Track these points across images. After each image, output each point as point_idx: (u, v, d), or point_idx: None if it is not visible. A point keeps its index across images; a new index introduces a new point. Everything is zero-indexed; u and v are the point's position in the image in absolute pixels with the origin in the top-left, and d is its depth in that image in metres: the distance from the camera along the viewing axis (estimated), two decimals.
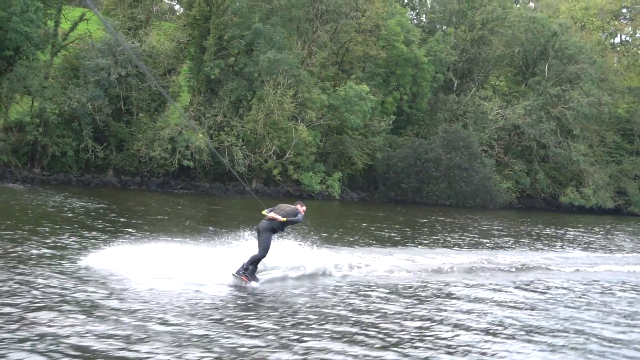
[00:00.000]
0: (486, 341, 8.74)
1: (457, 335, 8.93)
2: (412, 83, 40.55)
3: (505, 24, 43.50)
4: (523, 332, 9.31)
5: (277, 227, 12.37)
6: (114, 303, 9.34)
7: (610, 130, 49.31)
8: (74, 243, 14.36)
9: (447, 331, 9.09)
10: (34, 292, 9.53)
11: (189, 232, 16.74)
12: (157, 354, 7.26)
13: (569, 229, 30.40)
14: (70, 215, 19.57)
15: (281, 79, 34.49)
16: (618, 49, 57.20)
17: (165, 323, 8.50)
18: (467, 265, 15.66)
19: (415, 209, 35.75)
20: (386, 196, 40.36)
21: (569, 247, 22.70)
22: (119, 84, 31.83)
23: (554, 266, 16.85)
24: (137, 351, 7.33)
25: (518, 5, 50.24)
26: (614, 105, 47.30)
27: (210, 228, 18.82)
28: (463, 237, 22.42)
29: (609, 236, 28.34)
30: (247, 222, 16.98)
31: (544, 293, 12.76)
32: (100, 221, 18.61)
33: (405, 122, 41.98)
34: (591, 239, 26.53)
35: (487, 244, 21.28)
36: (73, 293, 9.70)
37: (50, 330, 7.82)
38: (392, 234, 21.90)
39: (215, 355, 7.46)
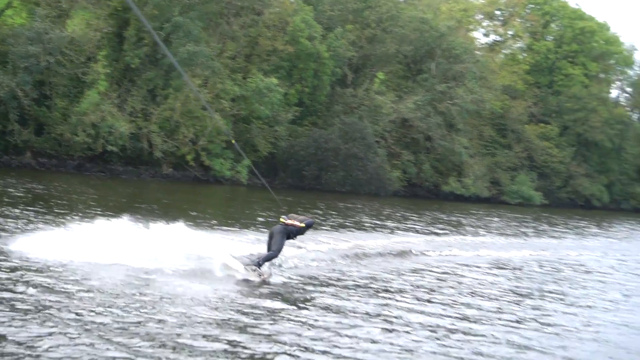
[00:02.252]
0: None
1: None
2: (313, 77, 52.90)
3: (399, 24, 57.34)
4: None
5: (292, 233, 15.80)
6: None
7: (487, 125, 65.49)
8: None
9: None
10: None
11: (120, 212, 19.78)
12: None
13: (460, 215, 44.49)
14: None
15: (198, 70, 45.16)
16: (494, 48, 74.28)
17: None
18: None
19: (315, 194, 47.94)
20: (286, 183, 52.32)
21: (478, 230, 36.16)
22: (46, 70, 40.71)
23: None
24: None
25: (406, 4, 64.37)
26: (491, 102, 63.39)
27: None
28: (370, 221, 34.96)
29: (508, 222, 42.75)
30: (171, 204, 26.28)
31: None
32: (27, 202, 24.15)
33: (306, 113, 54.25)
34: (496, 224, 40.55)
35: (387, 228, 33.99)
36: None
37: None
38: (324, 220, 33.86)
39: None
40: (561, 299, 16.74)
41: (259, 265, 15.38)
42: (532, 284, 18.66)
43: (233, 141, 18.93)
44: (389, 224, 32.01)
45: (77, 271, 13.69)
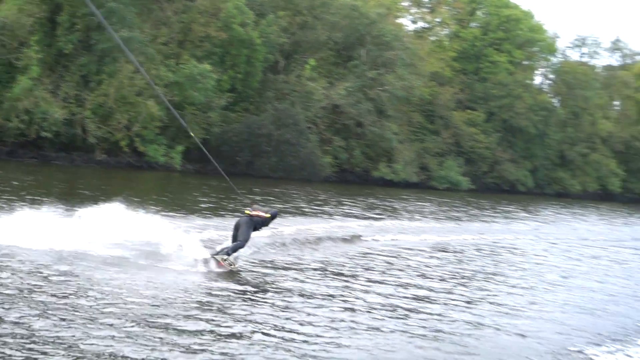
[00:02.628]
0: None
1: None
2: (245, 63, 55.20)
3: (330, 11, 60.18)
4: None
5: (258, 224, 16.63)
6: None
7: (416, 112, 69.15)
8: None
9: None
10: None
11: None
12: None
13: (393, 200, 47.76)
14: None
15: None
16: (421, 35, 78.06)
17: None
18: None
19: (249, 180, 50.32)
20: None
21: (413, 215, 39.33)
22: None
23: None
24: None
25: None
26: (420, 89, 67.04)
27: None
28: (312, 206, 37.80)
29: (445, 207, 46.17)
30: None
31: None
32: None
33: (238, 100, 56.50)
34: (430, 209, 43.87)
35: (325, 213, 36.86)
36: None
37: None
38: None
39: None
40: (504, 281, 18.81)
41: (228, 254, 16.16)
42: (474, 266, 20.87)
43: (192, 134, 20.02)
44: (327, 209, 34.66)
45: (44, 256, 14.73)
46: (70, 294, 12.02)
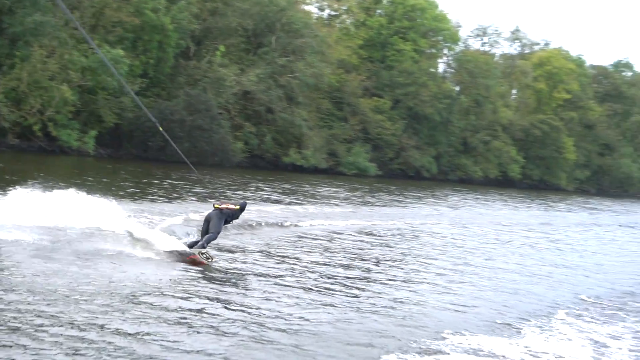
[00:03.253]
0: None
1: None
2: (157, 48, 58.39)
3: None
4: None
5: (229, 217, 17.67)
6: None
7: (325, 99, 73.96)
8: None
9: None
10: None
11: None
12: None
13: (308, 185, 52.11)
14: None
15: (46, 40, 49.46)
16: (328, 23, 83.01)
17: None
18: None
19: (162, 166, 53.59)
20: (131, 153, 57.58)
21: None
22: None
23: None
24: None
25: None
26: (328, 76, 71.83)
27: None
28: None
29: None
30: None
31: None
32: None
33: (150, 85, 59.59)
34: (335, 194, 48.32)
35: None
36: None
37: None
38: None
39: None
40: (432, 263, 21.55)
41: (204, 247, 17.21)
42: (402, 249, 23.83)
43: (160, 128, 21.52)
44: (248, 194, 38.22)
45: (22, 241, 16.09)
46: (45, 278, 13.24)
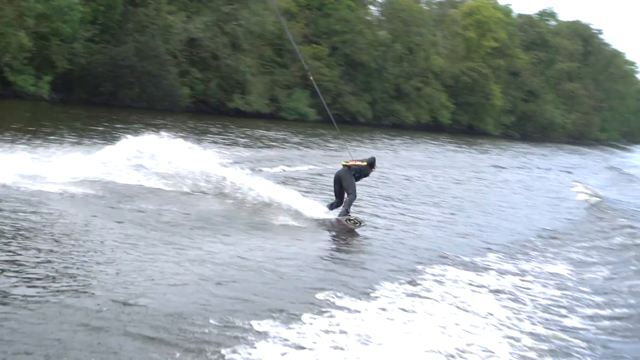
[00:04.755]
0: None
1: None
2: None
3: None
4: None
5: (356, 173, 17.94)
6: None
7: (267, 46, 77.86)
8: None
9: None
10: None
11: None
12: None
13: (259, 130, 56.39)
14: None
15: None
16: None
17: None
18: None
19: (113, 110, 56.95)
20: (82, 99, 60.71)
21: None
22: None
23: None
24: None
25: None
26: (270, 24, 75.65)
27: None
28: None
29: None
30: None
31: None
32: None
33: (100, 32, 62.42)
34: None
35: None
36: None
37: None
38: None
39: None
40: (414, 202, 24.43)
41: (348, 212, 17.77)
42: (382, 191, 26.35)
43: (311, 77, 24.81)
44: (210, 137, 42.69)
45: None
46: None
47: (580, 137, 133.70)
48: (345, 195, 17.95)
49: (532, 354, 10.46)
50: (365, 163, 18.11)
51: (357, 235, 17.50)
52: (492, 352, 10.27)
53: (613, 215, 26.75)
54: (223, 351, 8.61)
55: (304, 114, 78.69)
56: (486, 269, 15.54)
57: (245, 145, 40.92)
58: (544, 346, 10.87)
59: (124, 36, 63.39)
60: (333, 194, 18.43)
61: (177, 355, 8.38)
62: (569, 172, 52.90)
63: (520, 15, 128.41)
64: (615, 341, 11.57)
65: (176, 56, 66.33)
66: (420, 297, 12.45)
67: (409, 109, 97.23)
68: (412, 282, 13.34)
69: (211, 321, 9.44)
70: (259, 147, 41.25)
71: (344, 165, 18.12)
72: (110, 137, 29.24)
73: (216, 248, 13.78)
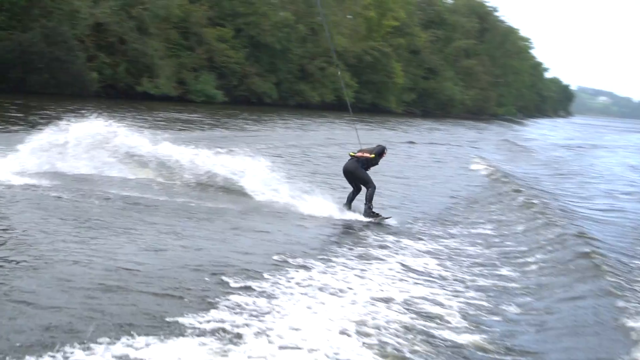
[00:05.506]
0: None
1: None
2: None
3: None
4: None
5: (363, 165, 18.23)
6: None
7: (173, 29, 79.88)
8: None
9: None
10: None
11: None
12: None
13: (176, 113, 58.85)
14: None
15: None
16: None
17: None
18: None
19: (23, 96, 58.32)
20: None
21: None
22: None
23: None
24: None
25: None
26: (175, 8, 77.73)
27: None
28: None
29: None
30: None
31: None
32: None
33: (5, 18, 63.33)
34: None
35: None
36: None
37: None
38: None
39: None
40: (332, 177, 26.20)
41: (370, 208, 18.18)
42: (320, 167, 30.84)
43: (339, 72, 27.25)
44: (141, 124, 45.23)
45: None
46: None
47: (478, 112, 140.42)
48: (363, 188, 18.51)
49: (477, 302, 12.18)
50: (373, 155, 18.36)
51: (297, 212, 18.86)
52: (441, 303, 11.82)
53: (512, 181, 30.92)
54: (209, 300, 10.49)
55: (212, 96, 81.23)
56: (421, 234, 17.61)
57: (166, 128, 43.27)
58: (487, 293, 12.80)
59: (30, 22, 64.44)
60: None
61: (166, 302, 10.13)
62: (473, 147, 57.45)
63: None
64: (544, 280, 14.09)
65: (83, 41, 67.80)
66: (368, 258, 14.32)
67: (314, 88, 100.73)
68: (360, 245, 15.48)
69: (206, 278, 11.49)
70: (180, 130, 43.87)
71: (351, 157, 18.63)
72: (36, 124, 30.27)
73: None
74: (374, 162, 18.47)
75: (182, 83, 79.69)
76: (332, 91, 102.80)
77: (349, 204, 18.80)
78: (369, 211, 18.08)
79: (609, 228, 20.40)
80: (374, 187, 18.22)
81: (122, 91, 72.95)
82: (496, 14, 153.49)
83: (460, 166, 39.13)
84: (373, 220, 18.01)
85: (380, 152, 18.46)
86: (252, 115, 67.93)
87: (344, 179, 19.16)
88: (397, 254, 15.15)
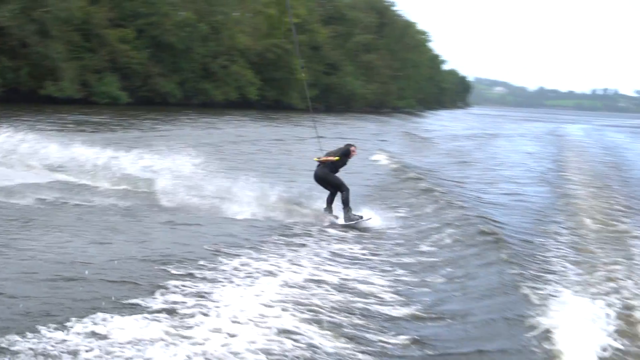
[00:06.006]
0: None
1: None
2: None
3: None
4: None
5: (333, 169, 18.68)
6: None
7: (75, 31, 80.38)
8: None
9: None
10: None
11: None
12: None
13: (84, 115, 59.92)
14: None
15: None
16: None
17: None
18: None
19: None
20: None
21: None
22: None
23: None
24: None
25: None
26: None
27: None
28: None
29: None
30: None
31: None
32: None
33: None
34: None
35: None
36: None
37: None
38: None
39: None
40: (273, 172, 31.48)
41: (350, 210, 18.53)
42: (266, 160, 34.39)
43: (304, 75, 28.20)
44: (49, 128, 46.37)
45: None
46: None
47: (380, 105, 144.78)
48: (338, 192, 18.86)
49: (405, 278, 13.71)
50: (337, 158, 18.81)
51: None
52: (372, 283, 13.21)
53: (413, 171, 33.61)
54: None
55: (116, 97, 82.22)
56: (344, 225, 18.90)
57: (75, 131, 44.63)
58: (412, 269, 14.45)
59: None
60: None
61: (124, 288, 11.79)
62: (377, 140, 60.36)
63: None
64: (459, 252, 16.15)
65: None
66: (296, 246, 15.97)
67: (217, 87, 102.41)
68: (287, 235, 17.16)
69: (155, 267, 13.22)
70: (92, 132, 45.43)
71: (319, 162, 19.13)
72: None
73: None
74: (341, 163, 18.92)
75: (85, 85, 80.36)
76: (235, 89, 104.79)
77: (329, 207, 19.23)
78: (349, 215, 18.46)
79: (508, 209, 23.29)
80: (348, 190, 18.61)
81: (26, 95, 73.25)
82: (394, 8, 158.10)
83: (366, 158, 41.58)
84: (355, 225, 18.50)
85: (346, 153, 18.87)
86: (159, 115, 69.50)
87: (317, 185, 19.76)
88: (322, 241, 16.75)
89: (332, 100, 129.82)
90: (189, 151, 26.31)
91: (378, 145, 54.43)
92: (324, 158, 18.85)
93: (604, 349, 9.68)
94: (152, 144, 34.99)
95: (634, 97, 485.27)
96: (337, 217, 18.95)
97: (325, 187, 19.19)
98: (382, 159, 40.78)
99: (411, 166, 35.81)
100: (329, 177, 18.75)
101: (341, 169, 19.25)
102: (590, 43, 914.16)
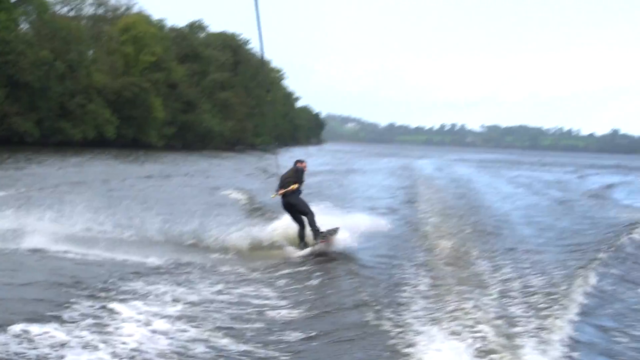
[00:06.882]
0: None
1: None
2: None
3: None
4: None
5: (299, 193, 20.02)
6: None
7: None
8: None
9: None
10: None
11: None
12: None
13: None
14: None
15: None
16: None
17: None
18: None
19: None
20: None
21: None
22: None
23: None
24: None
25: None
26: None
27: None
28: None
29: None
30: None
31: None
32: None
33: None
34: None
35: None
36: None
37: None
38: None
39: None
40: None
41: (317, 233, 19.73)
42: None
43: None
44: None
45: None
46: None
47: (237, 142, 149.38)
48: (304, 218, 20.15)
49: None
50: (295, 186, 20.16)
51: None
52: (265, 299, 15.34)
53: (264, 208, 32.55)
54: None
55: None
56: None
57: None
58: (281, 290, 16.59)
59: None
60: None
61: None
62: (232, 176, 60.92)
63: (172, 29, 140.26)
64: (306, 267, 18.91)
65: None
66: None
67: (75, 125, 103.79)
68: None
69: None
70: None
71: (281, 195, 20.26)
72: None
73: None
74: (301, 182, 20.28)
75: None
76: (93, 128, 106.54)
77: (302, 241, 20.49)
78: (317, 234, 19.72)
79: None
80: (312, 213, 19.90)
81: None
82: (248, 46, 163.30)
83: (217, 197, 40.35)
84: (325, 240, 19.66)
85: (299, 171, 20.42)
86: (16, 154, 70.52)
87: (287, 213, 20.87)
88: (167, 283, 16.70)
89: (189, 138, 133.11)
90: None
91: (232, 181, 53.03)
92: (282, 191, 20.11)
93: None
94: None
95: (481, 132, 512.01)
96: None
97: (293, 216, 20.37)
98: (235, 196, 40.25)
99: (262, 201, 35.01)
100: (298, 202, 20.05)
101: (301, 191, 20.55)
102: (437, 80, 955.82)
